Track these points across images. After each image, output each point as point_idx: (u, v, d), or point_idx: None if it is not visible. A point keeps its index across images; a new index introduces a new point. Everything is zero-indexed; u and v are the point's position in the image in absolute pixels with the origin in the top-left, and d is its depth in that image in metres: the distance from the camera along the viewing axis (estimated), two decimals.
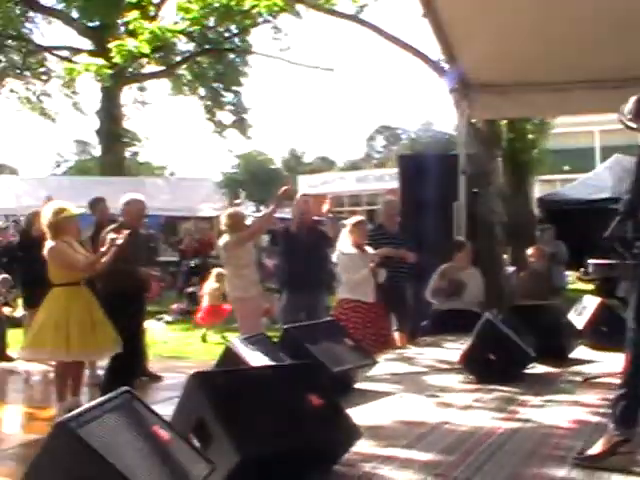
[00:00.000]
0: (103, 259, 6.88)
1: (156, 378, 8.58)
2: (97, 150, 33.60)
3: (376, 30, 14.15)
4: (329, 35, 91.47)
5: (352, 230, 8.32)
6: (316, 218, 9.29)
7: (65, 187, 21.47)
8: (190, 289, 16.05)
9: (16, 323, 11.80)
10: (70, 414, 2.96)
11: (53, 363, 7.67)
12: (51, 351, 6.79)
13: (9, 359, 9.88)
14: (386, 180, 31.79)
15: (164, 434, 3.27)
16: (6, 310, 11.71)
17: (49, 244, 6.86)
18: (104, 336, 6.93)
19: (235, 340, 5.21)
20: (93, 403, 3.09)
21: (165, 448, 3.23)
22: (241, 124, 28.88)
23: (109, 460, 2.78)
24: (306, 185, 36.99)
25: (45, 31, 25.22)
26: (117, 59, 13.64)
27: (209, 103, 28.19)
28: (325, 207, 9.27)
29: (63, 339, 6.67)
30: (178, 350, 11.15)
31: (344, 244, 8.32)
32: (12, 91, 27.19)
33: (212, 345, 11.49)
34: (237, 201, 26.62)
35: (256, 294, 8.29)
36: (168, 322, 13.95)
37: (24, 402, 8.21)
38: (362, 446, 4.26)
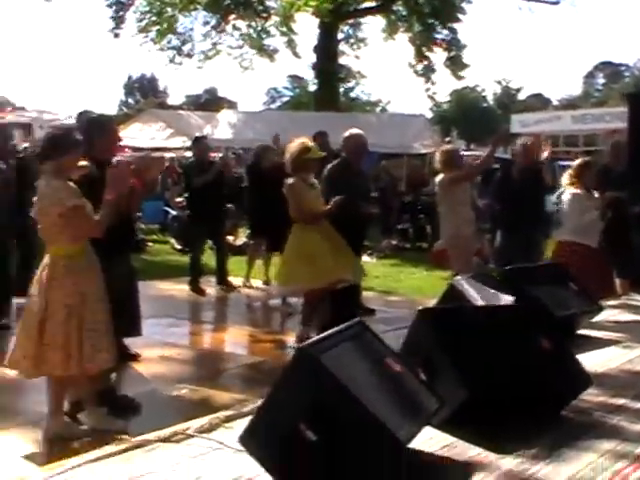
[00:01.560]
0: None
1: (369, 312, 8.73)
2: (312, 86, 34.18)
3: None
4: None
5: (580, 171, 8.00)
6: (536, 161, 9.00)
7: (281, 121, 22.07)
8: (401, 226, 16.15)
9: (237, 251, 12.46)
10: (311, 340, 3.07)
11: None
12: (303, 286, 7.20)
13: (230, 286, 10.41)
14: (606, 120, 30.16)
15: (396, 366, 3.32)
16: (229, 238, 12.30)
17: (289, 181, 7.12)
18: (346, 264, 7.18)
19: (459, 278, 5.19)
20: (330, 332, 3.18)
21: (397, 380, 3.28)
22: (454, 62, 28.30)
23: (348, 387, 2.86)
24: (519, 124, 35.86)
25: None
26: None
27: (419, 42, 27.77)
28: (545, 153, 8.92)
29: (313, 271, 6.96)
30: (388, 285, 11.28)
31: (571, 186, 8.03)
32: (235, 27, 28.07)
33: (421, 282, 11.54)
34: (447, 139, 26.30)
35: (469, 233, 8.22)
36: (379, 257, 14.12)
37: (248, 326, 8.67)
38: (589, 394, 4.15)
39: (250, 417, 3.18)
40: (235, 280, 10.60)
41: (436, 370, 3.70)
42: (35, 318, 4.67)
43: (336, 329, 3.24)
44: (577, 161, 8.31)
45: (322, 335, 3.15)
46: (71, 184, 4.70)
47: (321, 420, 2.84)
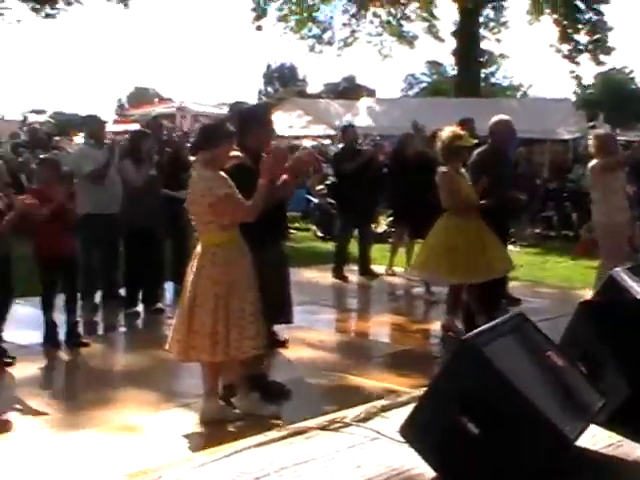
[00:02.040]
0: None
1: (515, 301, 8.55)
2: (451, 71, 33.72)
3: None
4: None
5: None
6: None
7: (420, 108, 21.89)
8: (545, 213, 15.73)
9: (378, 239, 12.47)
10: (474, 332, 3.03)
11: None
12: (445, 274, 7.09)
13: (373, 274, 10.42)
14: None
15: (558, 360, 3.24)
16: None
17: (442, 169, 7.07)
18: (493, 259, 7.07)
19: (618, 269, 4.98)
20: (491, 324, 3.13)
21: (560, 374, 3.20)
22: (598, 46, 27.20)
23: (511, 380, 2.80)
24: None
25: None
26: None
27: (565, 23, 26.82)
28: None
29: (455, 263, 6.91)
30: (534, 274, 11.02)
31: None
32: (375, 15, 28.01)
33: (568, 271, 11.22)
34: (592, 123, 25.36)
35: (622, 221, 7.96)
36: (522, 245, 13.81)
37: (392, 314, 8.66)
38: None
39: (406, 407, 3.17)
40: (377, 268, 10.61)
41: (597, 365, 3.58)
42: (186, 305, 4.82)
43: (496, 321, 3.19)
44: None
45: (483, 327, 3.10)
46: (222, 174, 4.81)
47: (483, 413, 2.80)
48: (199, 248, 4.90)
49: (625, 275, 4.86)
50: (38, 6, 18.31)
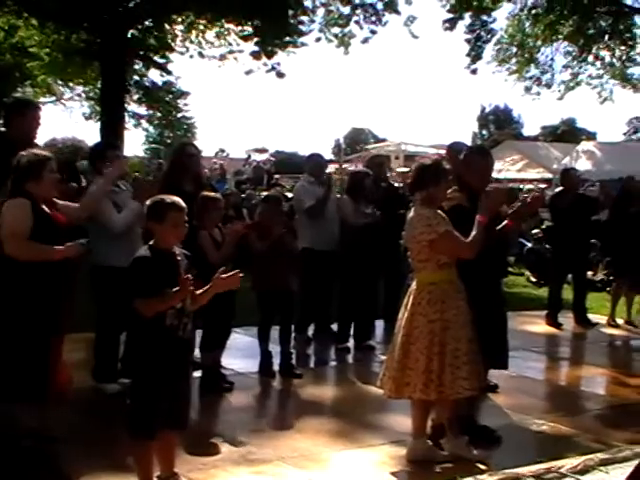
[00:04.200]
0: None
1: None
2: None
3: None
4: None
5: None
6: None
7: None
8: None
9: (595, 287, 12.01)
10: None
11: None
12: None
13: (588, 322, 10.02)
14: None
15: None
16: (588, 273, 11.88)
17: None
18: None
19: None
20: None
21: None
22: None
23: None
24: None
25: None
26: None
27: None
28: None
29: None
30: None
31: None
32: (597, 57, 27.14)
33: None
34: None
35: None
36: None
37: (607, 366, 8.30)
38: None
39: (627, 463, 3.02)
40: (594, 317, 10.21)
41: None
42: (400, 342, 4.87)
43: None
44: None
45: None
46: (440, 212, 4.85)
47: None
48: (414, 285, 4.95)
49: None
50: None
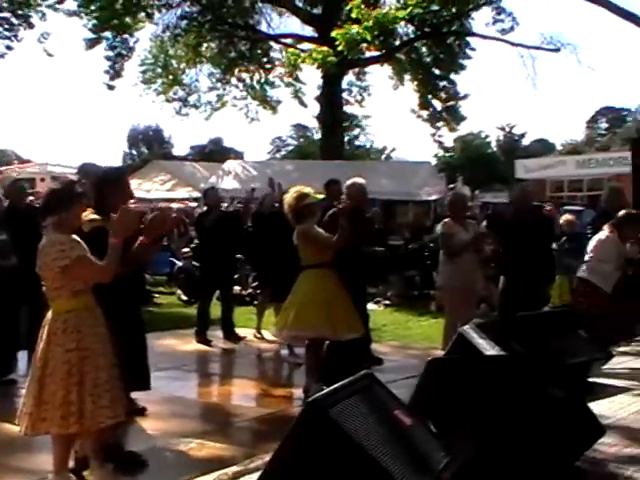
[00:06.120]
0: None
1: (377, 361, 8.66)
2: (316, 134, 34.39)
3: (605, 5, 13.46)
4: (549, 12, 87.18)
5: (622, 222, 7.90)
6: (533, 205, 9.05)
7: (287, 170, 22.16)
8: (407, 273, 16.08)
9: (244, 301, 12.46)
10: (319, 394, 3.03)
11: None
12: (316, 329, 7.05)
13: (237, 337, 10.33)
14: (610, 165, 30.28)
15: (405, 419, 3.28)
16: (236, 288, 12.27)
17: (298, 228, 7.10)
18: (353, 316, 7.18)
19: (467, 327, 5.14)
20: (338, 385, 3.15)
21: (407, 433, 3.24)
22: (452, 114, 28.46)
23: (356, 441, 2.82)
24: (523, 169, 35.90)
25: (271, 21, 26.11)
26: (341, 47, 13.81)
27: (424, 90, 27.94)
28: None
29: (327, 317, 6.92)
30: (397, 333, 11.21)
31: (603, 232, 7.97)
32: (239, 80, 28.35)
33: (430, 329, 11.47)
34: (452, 185, 26.31)
35: (464, 284, 8.12)
36: (386, 305, 14.07)
37: (256, 378, 8.59)
38: (603, 444, 4.08)
39: (258, 473, 3.13)
40: (244, 331, 10.55)
41: (446, 422, 3.65)
42: (36, 374, 4.65)
43: (344, 382, 3.21)
44: (622, 212, 8.09)
45: (330, 388, 3.11)
46: (74, 237, 4.70)
47: (331, 476, 2.80)
48: (50, 315, 4.74)
49: (473, 332, 5.01)
50: None
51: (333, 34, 14.19)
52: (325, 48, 15.40)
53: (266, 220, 10.02)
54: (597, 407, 4.80)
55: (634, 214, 8.02)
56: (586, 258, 8.01)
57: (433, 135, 30.12)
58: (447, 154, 52.24)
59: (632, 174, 10.28)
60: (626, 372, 6.31)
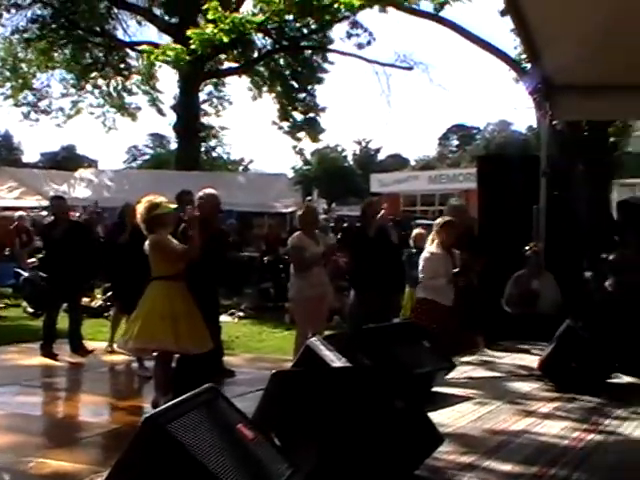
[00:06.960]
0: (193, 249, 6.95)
1: (229, 374, 8.62)
2: (173, 144, 34.05)
3: (455, 29, 14.04)
4: (403, 30, 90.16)
5: (441, 230, 8.14)
6: (389, 218, 9.26)
7: (142, 180, 21.85)
8: (263, 285, 16.11)
9: (93, 313, 12.13)
10: (158, 410, 2.97)
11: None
12: (160, 341, 6.90)
13: (85, 350, 10.00)
14: (460, 180, 31.57)
15: (248, 433, 3.26)
16: (84, 300, 11.91)
17: (149, 238, 6.95)
18: (200, 330, 7.08)
19: (314, 339, 5.19)
20: (179, 399, 3.09)
21: (249, 447, 3.22)
22: (312, 125, 28.83)
23: (196, 457, 2.78)
24: (378, 183, 36.82)
25: (127, 28, 25.62)
26: (195, 45, 13.76)
27: (284, 101, 28.17)
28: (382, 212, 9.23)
29: (171, 330, 6.79)
30: (250, 345, 11.19)
31: (430, 244, 8.19)
32: (95, 87, 27.70)
33: (283, 341, 11.51)
34: (309, 198, 26.64)
35: (314, 295, 8.22)
36: (240, 317, 14.03)
37: (104, 392, 8.35)
38: (442, 452, 4.20)
39: None
40: (94, 344, 10.23)
41: (289, 434, 3.65)
42: None
43: (186, 396, 3.16)
44: (438, 220, 8.40)
45: (171, 403, 3.05)
46: None
47: None
48: None
49: (321, 345, 5.07)
50: None
51: (188, 33, 14.13)
52: (179, 46, 15.27)
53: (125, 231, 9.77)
54: (438, 416, 4.91)
55: (447, 221, 8.21)
56: (419, 277, 8.25)
57: (294, 147, 30.45)
58: (305, 167, 52.90)
59: (478, 189, 10.68)
60: (468, 381, 6.52)
